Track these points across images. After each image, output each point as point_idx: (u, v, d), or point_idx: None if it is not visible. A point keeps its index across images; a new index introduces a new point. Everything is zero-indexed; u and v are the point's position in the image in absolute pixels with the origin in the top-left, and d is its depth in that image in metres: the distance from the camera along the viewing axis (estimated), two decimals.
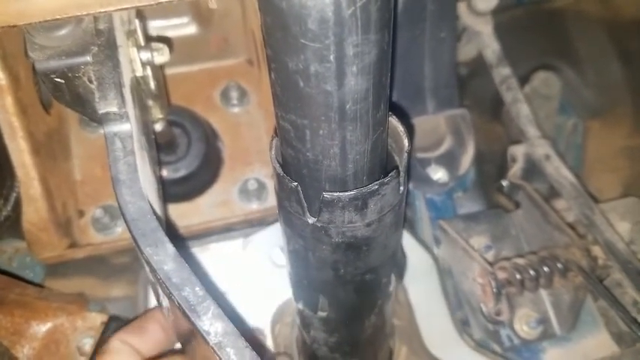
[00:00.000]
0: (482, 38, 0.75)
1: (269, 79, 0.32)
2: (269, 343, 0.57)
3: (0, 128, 0.56)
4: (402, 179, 0.37)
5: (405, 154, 0.37)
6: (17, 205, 0.64)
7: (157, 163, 0.47)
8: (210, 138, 0.73)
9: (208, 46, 0.76)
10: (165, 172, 0.67)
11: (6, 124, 0.56)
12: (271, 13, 0.27)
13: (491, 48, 0.74)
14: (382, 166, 0.37)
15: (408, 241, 0.64)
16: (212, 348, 0.31)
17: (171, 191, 0.70)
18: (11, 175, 0.62)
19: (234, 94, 0.76)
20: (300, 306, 0.46)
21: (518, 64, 0.81)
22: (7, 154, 0.58)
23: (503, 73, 0.72)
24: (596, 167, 0.84)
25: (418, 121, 0.73)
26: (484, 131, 0.86)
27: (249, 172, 0.74)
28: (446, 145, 0.76)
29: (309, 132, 0.32)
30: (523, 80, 0.86)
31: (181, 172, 0.68)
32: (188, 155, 0.69)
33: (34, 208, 0.60)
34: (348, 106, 0.30)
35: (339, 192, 0.34)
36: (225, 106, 0.77)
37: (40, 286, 0.65)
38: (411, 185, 0.75)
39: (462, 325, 0.63)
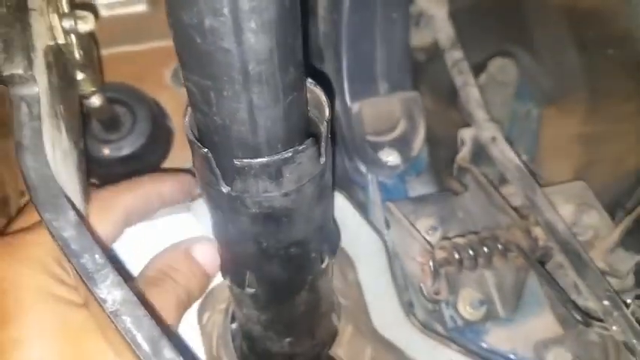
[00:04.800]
0: (436, 22, 0.75)
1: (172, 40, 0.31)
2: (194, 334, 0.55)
3: None
4: (322, 149, 0.37)
5: (325, 123, 0.37)
6: None
7: (82, 136, 0.45)
8: (157, 117, 0.71)
9: (158, 24, 0.74)
10: (107, 151, 0.66)
11: None
12: None
13: (445, 32, 0.74)
14: (301, 134, 0.37)
15: (356, 220, 0.63)
16: (108, 315, 0.30)
17: (117, 170, 0.68)
18: None
19: None
20: (228, 282, 0.46)
21: (475, 51, 0.81)
22: None
23: (454, 56, 0.72)
24: (551, 153, 0.84)
25: (371, 103, 0.73)
26: (440, 116, 0.86)
27: None
28: (400, 128, 0.76)
29: (213, 94, 0.31)
30: (480, 67, 0.86)
31: (125, 151, 0.67)
32: (132, 134, 0.67)
33: None
34: (250, 67, 0.29)
35: (251, 159, 0.33)
36: (176, 85, 0.75)
37: None
38: (363, 168, 0.74)
39: (408, 307, 0.63)
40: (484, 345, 0.62)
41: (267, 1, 0.27)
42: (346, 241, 0.59)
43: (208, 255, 0.51)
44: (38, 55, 0.37)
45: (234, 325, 0.65)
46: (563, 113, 0.85)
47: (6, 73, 0.34)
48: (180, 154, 0.74)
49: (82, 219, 0.32)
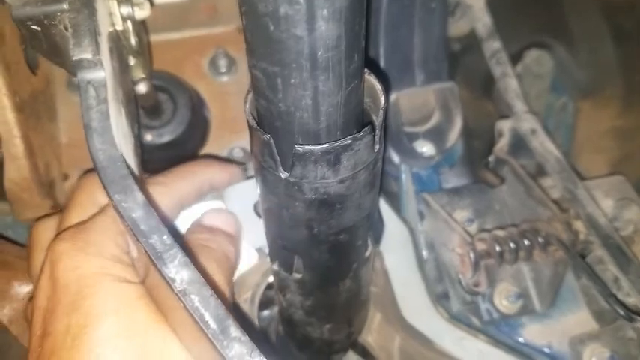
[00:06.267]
0: (473, 12, 0.75)
1: (242, 26, 0.31)
2: None
3: None
4: (377, 137, 0.37)
5: (381, 112, 0.37)
6: (1, 164, 0.63)
7: (137, 121, 0.47)
8: (196, 105, 0.72)
9: (198, 14, 0.75)
10: (149, 137, 0.67)
11: None
12: None
13: (482, 21, 0.73)
14: (358, 122, 0.37)
15: (385, 210, 0.64)
16: (177, 294, 0.31)
17: (157, 157, 0.69)
18: None
19: (222, 63, 0.75)
20: (276, 267, 0.47)
21: (511, 42, 0.81)
22: None
23: (493, 47, 0.72)
24: (586, 147, 0.84)
25: (407, 94, 0.73)
26: (475, 107, 0.85)
27: (236, 141, 0.73)
28: (435, 119, 0.76)
29: (280, 80, 0.31)
30: (515, 58, 0.86)
31: (166, 138, 0.68)
32: (173, 121, 0.68)
33: (16, 167, 0.59)
34: (319, 54, 0.30)
35: (312, 145, 0.34)
36: (213, 74, 0.76)
37: (22, 246, 0.65)
38: (397, 159, 0.75)
39: (442, 299, 0.63)
40: (519, 339, 0.62)
41: None
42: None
43: (220, 219, 0.53)
44: (103, 39, 0.38)
45: (265, 312, 0.66)
46: (597, 106, 0.85)
47: (75, 57, 0.35)
48: (215, 143, 0.75)
49: (149, 200, 0.33)
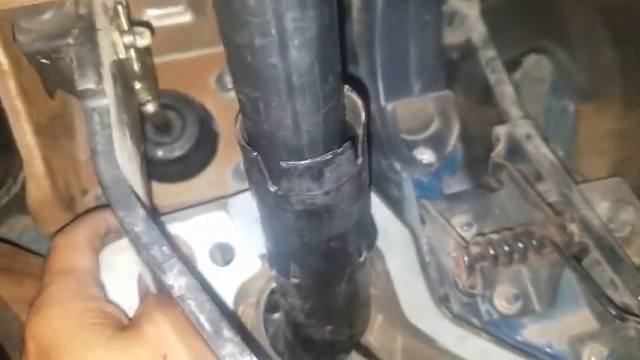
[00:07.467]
0: (469, 21, 0.77)
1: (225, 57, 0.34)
2: None
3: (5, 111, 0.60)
4: (359, 151, 0.40)
5: (361, 127, 0.40)
6: (25, 183, 0.68)
7: (143, 141, 0.50)
8: (204, 121, 0.76)
9: (203, 34, 0.79)
10: (160, 153, 0.71)
11: (10, 107, 0.60)
12: None
13: (478, 30, 0.76)
14: (340, 137, 0.40)
15: (384, 213, 0.65)
16: (175, 300, 0.34)
17: (168, 171, 0.74)
18: (19, 156, 0.66)
19: (228, 79, 0.79)
20: (275, 272, 0.49)
21: (510, 48, 0.82)
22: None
23: (488, 55, 0.74)
24: (587, 149, 0.85)
25: (405, 104, 0.75)
26: (475, 113, 0.87)
27: None
28: (434, 126, 0.78)
29: (262, 104, 0.35)
30: (515, 64, 0.87)
31: (176, 153, 0.72)
32: (182, 137, 0.72)
33: (37, 186, 0.64)
34: (294, 79, 0.33)
35: (295, 161, 0.37)
36: (220, 90, 0.80)
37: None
38: (398, 166, 0.77)
39: (444, 301, 0.65)
40: (519, 339, 0.64)
41: (309, 21, 0.31)
42: None
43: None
44: (105, 69, 0.42)
45: (276, 315, 0.69)
46: (598, 109, 0.85)
47: (80, 87, 0.39)
48: (224, 156, 0.78)
49: (149, 215, 0.37)
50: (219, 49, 0.34)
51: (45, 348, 0.43)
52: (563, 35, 0.86)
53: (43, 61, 0.40)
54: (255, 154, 0.38)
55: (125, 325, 0.45)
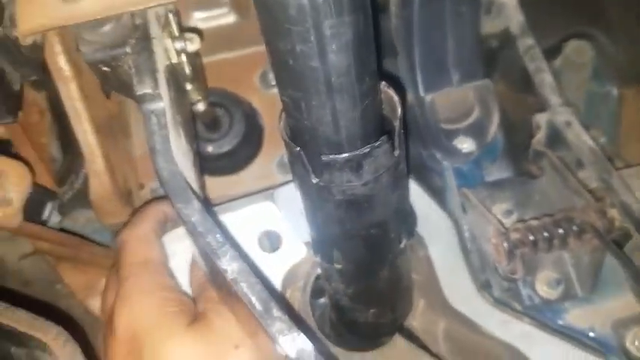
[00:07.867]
0: (507, 10, 0.77)
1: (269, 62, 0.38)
2: None
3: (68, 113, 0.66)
4: (396, 143, 0.42)
5: (398, 121, 0.42)
6: (86, 179, 0.74)
7: (195, 139, 0.54)
8: (250, 117, 0.80)
9: (246, 34, 0.82)
10: (210, 148, 0.76)
11: (72, 109, 0.65)
12: (261, 3, 0.33)
13: (516, 19, 0.76)
14: (377, 131, 0.43)
15: (425, 201, 0.67)
16: (229, 283, 0.38)
17: (218, 165, 0.78)
18: (81, 154, 0.72)
19: (271, 77, 0.82)
20: (319, 259, 0.53)
21: (549, 34, 0.82)
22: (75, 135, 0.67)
23: (526, 43, 0.74)
24: (632, 135, 0.84)
25: (444, 94, 0.77)
26: (515, 101, 0.87)
27: None
28: (474, 116, 0.79)
29: (303, 103, 0.38)
30: (555, 50, 0.87)
31: (225, 148, 0.76)
32: (230, 133, 0.76)
33: (99, 182, 0.69)
34: (333, 79, 0.36)
35: (335, 155, 0.40)
36: (264, 87, 0.84)
37: (107, 247, 0.76)
38: (439, 156, 0.79)
39: (486, 287, 0.67)
40: (561, 322, 0.65)
41: (346, 26, 0.33)
42: None
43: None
44: (160, 75, 0.46)
45: (321, 300, 0.72)
46: None
47: (139, 92, 0.43)
48: (269, 150, 0.82)
49: (204, 206, 0.40)
50: (262, 48, 0.37)
51: (133, 336, 0.47)
52: (602, 19, 0.84)
53: (104, 68, 0.44)
54: (298, 149, 0.41)
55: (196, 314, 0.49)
